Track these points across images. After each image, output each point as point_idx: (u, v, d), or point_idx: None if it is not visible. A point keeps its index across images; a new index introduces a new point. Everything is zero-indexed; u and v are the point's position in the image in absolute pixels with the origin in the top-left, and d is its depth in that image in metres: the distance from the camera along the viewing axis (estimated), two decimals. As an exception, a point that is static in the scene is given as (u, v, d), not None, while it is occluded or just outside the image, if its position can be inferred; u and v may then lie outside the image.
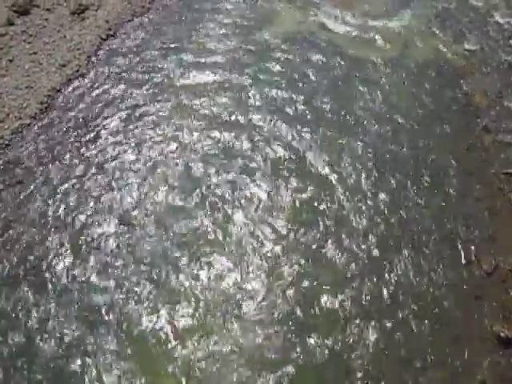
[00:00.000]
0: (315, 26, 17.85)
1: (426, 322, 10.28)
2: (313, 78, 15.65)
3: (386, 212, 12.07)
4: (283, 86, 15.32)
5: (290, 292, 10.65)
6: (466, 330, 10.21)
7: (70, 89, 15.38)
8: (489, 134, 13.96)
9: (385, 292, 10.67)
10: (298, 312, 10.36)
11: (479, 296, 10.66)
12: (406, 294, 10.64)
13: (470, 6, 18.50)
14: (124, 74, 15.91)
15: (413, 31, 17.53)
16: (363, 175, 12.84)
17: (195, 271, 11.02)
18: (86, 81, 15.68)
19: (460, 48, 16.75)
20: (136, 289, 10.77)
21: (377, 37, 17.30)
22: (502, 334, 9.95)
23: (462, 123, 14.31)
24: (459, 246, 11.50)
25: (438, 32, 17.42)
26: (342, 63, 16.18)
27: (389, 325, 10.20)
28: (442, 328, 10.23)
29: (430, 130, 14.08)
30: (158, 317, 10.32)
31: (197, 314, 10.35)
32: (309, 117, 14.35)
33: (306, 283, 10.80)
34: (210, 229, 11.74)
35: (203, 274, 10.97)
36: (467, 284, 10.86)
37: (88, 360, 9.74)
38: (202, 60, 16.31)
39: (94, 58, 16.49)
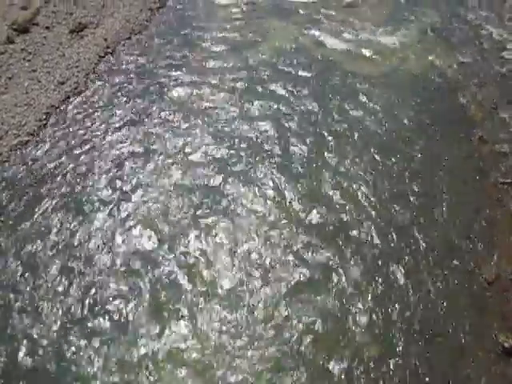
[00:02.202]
0: (310, 42, 18.11)
1: (429, 335, 10.18)
2: (307, 92, 15.79)
3: (383, 224, 12.05)
4: (278, 100, 15.44)
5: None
6: (469, 341, 10.10)
7: (69, 106, 15.49)
8: (485, 145, 14.05)
9: (388, 315, 10.59)
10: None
11: (481, 307, 10.58)
12: (406, 307, 10.57)
13: (462, 20, 18.84)
14: (122, 92, 16.04)
15: (407, 45, 17.80)
16: (360, 187, 12.85)
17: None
18: (85, 98, 15.79)
19: (454, 61, 16.98)
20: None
21: (371, 51, 17.54)
22: (506, 345, 9.85)
23: (459, 134, 14.41)
24: (459, 257, 11.46)
25: (431, 46, 17.70)
26: (337, 78, 16.37)
27: (394, 341, 10.11)
28: (446, 340, 10.13)
29: (427, 141, 14.17)
30: None
31: None
32: (303, 131, 14.41)
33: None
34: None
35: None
36: (469, 295, 10.79)
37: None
38: (200, 78, 16.46)
39: (92, 76, 16.64)
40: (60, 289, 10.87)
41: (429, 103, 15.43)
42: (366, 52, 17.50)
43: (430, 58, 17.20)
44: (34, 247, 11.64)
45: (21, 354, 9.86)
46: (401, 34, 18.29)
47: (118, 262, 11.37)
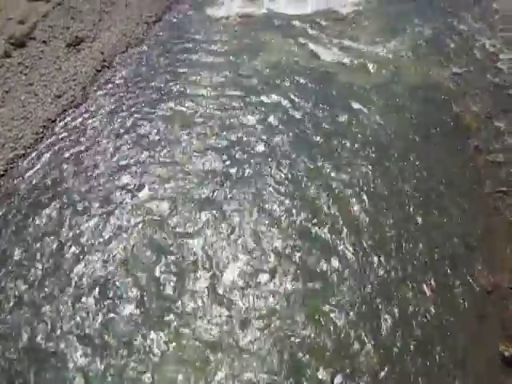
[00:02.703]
0: (305, 54, 18.28)
1: (428, 344, 10.12)
2: (304, 104, 15.89)
3: (380, 234, 12.04)
4: (274, 112, 15.54)
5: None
6: (470, 351, 10.05)
7: (66, 119, 15.52)
8: (481, 154, 14.12)
9: (384, 322, 10.53)
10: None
11: (481, 315, 10.55)
12: (408, 318, 10.52)
13: (455, 31, 19.07)
14: (118, 104, 16.09)
15: (401, 57, 17.98)
16: (356, 197, 12.87)
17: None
18: (81, 111, 15.84)
19: (448, 71, 17.14)
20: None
21: (366, 63, 17.69)
22: (506, 354, 9.81)
23: (454, 144, 14.50)
24: (458, 266, 11.45)
25: (425, 57, 17.88)
26: (332, 89, 16.49)
27: (395, 350, 10.05)
28: (445, 350, 10.07)
29: (423, 151, 14.23)
30: None
31: None
32: (299, 144, 14.46)
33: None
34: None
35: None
36: (468, 304, 10.76)
37: None
38: (195, 90, 16.54)
39: (89, 89, 16.71)
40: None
41: (424, 113, 15.53)
42: (361, 63, 17.66)
43: (425, 68, 17.37)
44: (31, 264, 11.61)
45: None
46: (395, 46, 18.48)
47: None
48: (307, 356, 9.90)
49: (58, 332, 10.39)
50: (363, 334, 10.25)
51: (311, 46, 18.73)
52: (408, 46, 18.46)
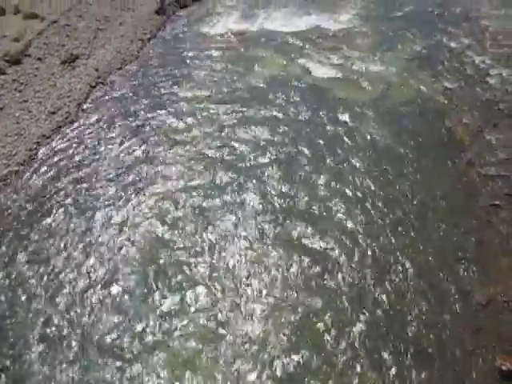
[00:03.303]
0: (299, 70, 18.51)
1: (425, 359, 10.05)
2: (297, 118, 16.03)
3: (374, 249, 12.03)
4: (267, 126, 15.64)
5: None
6: (466, 365, 9.96)
7: (60, 136, 15.54)
8: (473, 168, 14.23)
9: (382, 339, 10.47)
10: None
11: (477, 329, 10.48)
12: (401, 332, 10.46)
13: (445, 47, 19.41)
14: (112, 121, 16.15)
15: (394, 72, 18.23)
16: (350, 212, 12.89)
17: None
18: (76, 128, 15.87)
19: (439, 86, 17.38)
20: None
21: (359, 78, 17.93)
22: (503, 368, 9.71)
23: (447, 158, 14.60)
24: (453, 280, 11.42)
25: (417, 72, 18.15)
26: (326, 104, 16.65)
27: (389, 361, 9.96)
28: (442, 365, 9.99)
29: (416, 165, 14.32)
30: None
31: None
32: (292, 158, 14.53)
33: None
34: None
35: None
36: (464, 318, 10.71)
37: None
38: (190, 107, 16.65)
39: (83, 106, 16.78)
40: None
41: (416, 128, 15.69)
42: (354, 79, 17.89)
43: (416, 84, 17.61)
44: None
45: None
46: (387, 62, 18.75)
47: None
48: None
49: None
50: (361, 354, 10.16)
51: (304, 62, 18.98)
52: (400, 61, 18.74)
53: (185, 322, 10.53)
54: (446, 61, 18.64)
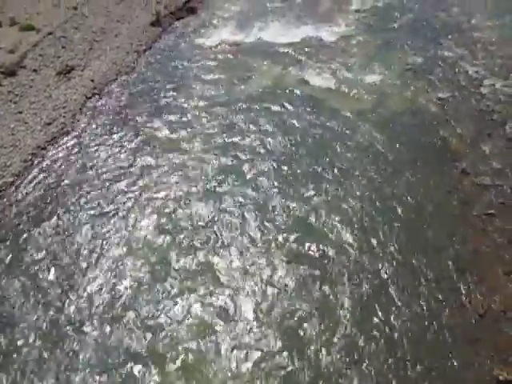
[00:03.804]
0: (294, 81, 18.62)
1: (422, 369, 10.00)
2: (293, 128, 16.09)
3: (371, 260, 12.02)
4: (264, 136, 15.68)
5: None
6: (464, 375, 9.93)
7: (55, 147, 15.50)
8: (468, 177, 14.31)
9: (376, 340, 10.43)
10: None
11: (474, 339, 10.46)
12: (399, 343, 10.41)
13: (439, 58, 19.63)
14: (108, 132, 16.14)
15: (388, 83, 18.38)
16: (345, 222, 12.89)
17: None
18: (71, 138, 15.85)
19: (433, 97, 17.53)
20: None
21: (354, 89, 18.04)
22: (501, 378, 9.70)
23: (442, 167, 14.69)
24: (449, 290, 11.42)
25: (412, 83, 18.30)
26: (321, 114, 16.73)
27: (387, 371, 9.90)
28: (440, 375, 9.95)
29: (411, 175, 14.38)
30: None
31: None
32: (287, 167, 14.56)
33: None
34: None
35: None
36: (461, 327, 10.69)
37: None
38: (185, 117, 16.68)
39: (79, 116, 16.77)
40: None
41: (411, 137, 15.79)
42: (349, 90, 18.00)
43: (411, 94, 17.76)
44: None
45: None
46: (382, 73, 18.91)
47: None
48: None
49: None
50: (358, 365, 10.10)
51: (300, 72, 19.10)
52: (394, 72, 18.90)
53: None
54: (440, 71, 18.83)
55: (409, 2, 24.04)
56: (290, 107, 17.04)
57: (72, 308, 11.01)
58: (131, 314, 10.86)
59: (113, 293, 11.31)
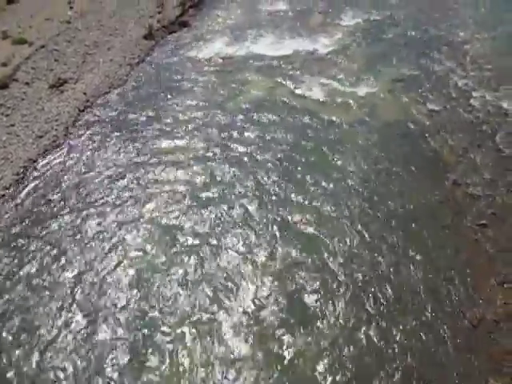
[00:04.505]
0: (286, 93, 18.72)
1: (418, 379, 9.94)
2: (285, 139, 16.15)
3: (365, 271, 12.00)
4: (256, 149, 15.72)
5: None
6: (459, 387, 9.91)
7: (47, 159, 15.43)
8: (459, 188, 14.40)
9: (370, 352, 10.39)
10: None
11: (469, 350, 10.44)
12: (393, 355, 10.36)
13: (429, 70, 19.86)
14: (100, 144, 16.10)
15: (378, 95, 18.54)
16: (338, 233, 12.90)
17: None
18: (63, 151, 15.78)
19: (424, 109, 17.70)
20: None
21: (346, 101, 18.17)
22: (496, 389, 9.69)
23: (434, 178, 14.78)
24: (443, 301, 11.41)
25: (402, 95, 18.47)
26: (313, 125, 16.81)
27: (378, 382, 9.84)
28: (435, 386, 9.91)
29: (403, 186, 14.44)
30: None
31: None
32: (282, 181, 14.56)
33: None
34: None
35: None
36: (455, 339, 10.66)
37: None
38: (178, 130, 16.68)
39: (71, 129, 16.74)
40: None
41: (403, 149, 15.89)
42: (341, 101, 18.13)
43: (402, 106, 17.91)
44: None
45: None
46: (373, 85, 19.07)
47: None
48: None
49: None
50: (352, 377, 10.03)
51: (292, 84, 19.22)
52: (385, 84, 19.08)
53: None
54: (431, 84, 19.04)
55: (398, 16, 24.39)
56: (281, 119, 17.12)
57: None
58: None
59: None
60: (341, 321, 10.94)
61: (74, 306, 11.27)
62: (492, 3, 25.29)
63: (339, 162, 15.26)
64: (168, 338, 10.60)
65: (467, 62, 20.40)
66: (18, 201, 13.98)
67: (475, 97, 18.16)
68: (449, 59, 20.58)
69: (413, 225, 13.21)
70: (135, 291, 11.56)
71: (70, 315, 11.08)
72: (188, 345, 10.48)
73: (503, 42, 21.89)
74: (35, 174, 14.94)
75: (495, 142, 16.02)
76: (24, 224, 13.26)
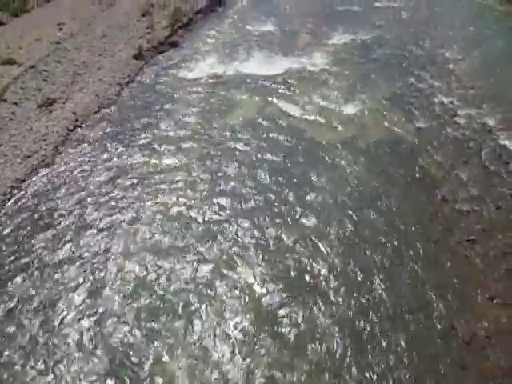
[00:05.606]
0: (275, 112, 18.92)
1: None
2: (273, 160, 16.22)
3: (353, 288, 11.97)
4: (243, 169, 15.75)
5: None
6: (453, 405, 9.84)
7: (35, 179, 15.30)
8: (447, 204, 14.56)
9: (362, 370, 10.29)
10: None
11: (462, 367, 10.40)
12: (382, 371, 10.27)
13: (415, 89, 20.26)
14: (90, 164, 16.03)
15: (366, 114, 18.82)
16: (328, 250, 12.89)
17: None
18: (52, 171, 15.68)
19: (411, 126, 17.99)
20: None
21: (333, 120, 18.41)
22: (489, 406, 9.63)
23: (421, 195, 14.94)
24: (434, 318, 11.40)
25: (389, 113, 18.78)
26: (301, 144, 16.97)
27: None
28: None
29: (391, 203, 14.54)
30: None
31: None
32: (265, 203, 14.49)
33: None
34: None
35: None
36: (448, 356, 10.63)
37: None
38: (169, 149, 16.69)
39: (60, 148, 16.67)
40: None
41: (390, 166, 16.06)
42: (329, 120, 18.36)
43: (389, 124, 18.18)
44: None
45: None
46: (360, 104, 19.38)
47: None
48: None
49: None
50: (344, 392, 9.89)
51: (280, 103, 19.44)
52: (372, 103, 19.38)
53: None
54: (417, 102, 19.41)
55: (385, 37, 24.96)
56: (269, 138, 17.24)
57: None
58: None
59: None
60: (331, 338, 10.83)
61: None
62: (476, 24, 26.05)
63: (325, 181, 15.31)
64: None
65: (452, 80, 20.89)
66: (5, 221, 13.77)
67: (460, 114, 18.55)
68: (434, 78, 21.05)
69: (401, 242, 13.25)
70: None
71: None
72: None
73: (487, 61, 22.50)
74: (23, 193, 14.77)
75: (481, 158, 16.31)
76: (11, 245, 13.02)
